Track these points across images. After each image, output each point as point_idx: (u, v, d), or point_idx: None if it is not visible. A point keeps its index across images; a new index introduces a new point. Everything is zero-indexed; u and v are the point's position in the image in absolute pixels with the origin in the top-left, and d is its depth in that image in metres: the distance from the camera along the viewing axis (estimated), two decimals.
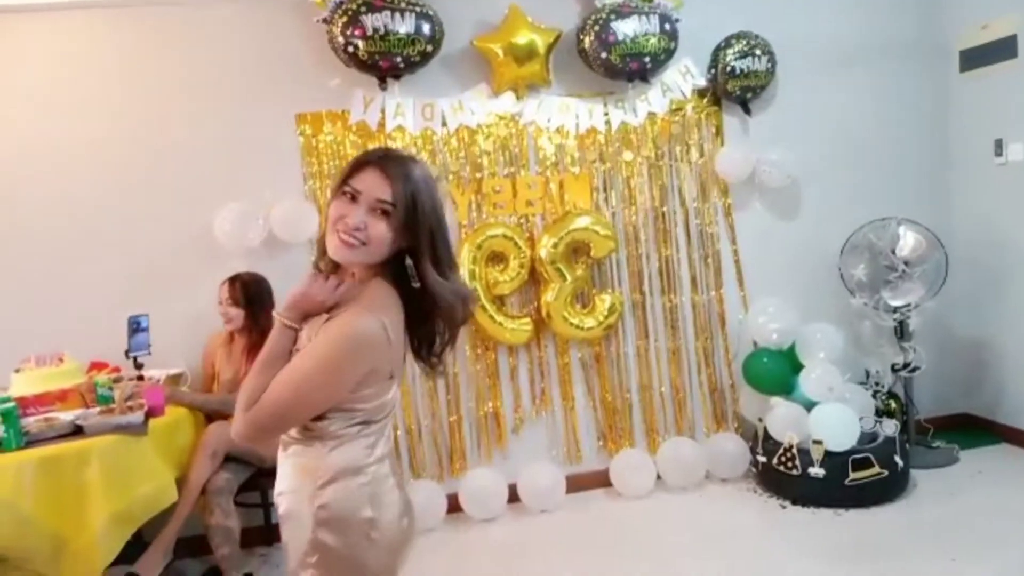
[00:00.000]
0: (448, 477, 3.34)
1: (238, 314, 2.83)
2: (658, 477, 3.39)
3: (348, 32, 2.91)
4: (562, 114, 3.33)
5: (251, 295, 2.84)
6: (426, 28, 2.98)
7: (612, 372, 3.48)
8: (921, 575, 2.51)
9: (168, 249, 3.09)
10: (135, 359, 2.73)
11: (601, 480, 3.46)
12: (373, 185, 1.25)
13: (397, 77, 3.09)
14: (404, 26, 2.93)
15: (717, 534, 2.97)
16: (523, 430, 3.43)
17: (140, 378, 2.71)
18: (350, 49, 2.94)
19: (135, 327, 2.76)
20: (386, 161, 1.28)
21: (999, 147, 3.46)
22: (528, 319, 3.30)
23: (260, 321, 2.82)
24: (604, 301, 3.33)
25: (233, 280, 2.86)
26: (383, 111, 3.13)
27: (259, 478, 2.76)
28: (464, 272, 3.17)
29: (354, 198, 1.26)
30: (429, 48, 3.03)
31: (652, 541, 2.97)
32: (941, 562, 2.58)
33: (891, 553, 2.68)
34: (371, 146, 3.16)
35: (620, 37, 3.12)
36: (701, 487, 3.40)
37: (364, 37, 2.91)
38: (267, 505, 3.13)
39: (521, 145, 3.34)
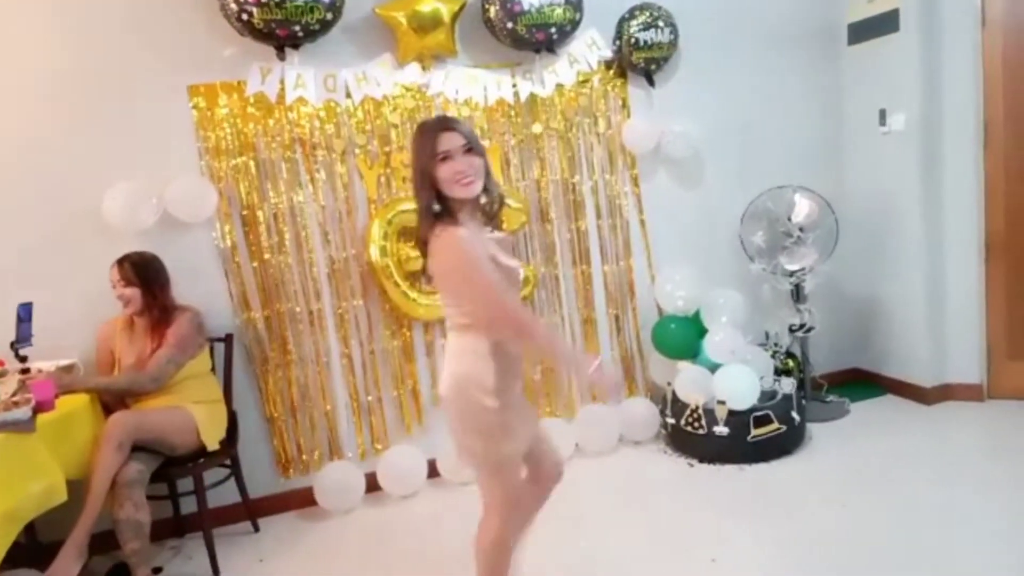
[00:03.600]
0: (371, 456, 3.32)
1: (134, 294, 2.69)
2: (576, 444, 3.49)
3: None
4: (470, 85, 3.29)
5: (144, 274, 2.71)
6: None
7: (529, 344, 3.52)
8: (816, 520, 2.70)
9: (56, 234, 2.87)
10: (16, 351, 2.55)
11: None
12: (451, 141, 1.77)
13: (296, 46, 2.97)
14: None
15: (632, 494, 3.09)
16: (440, 405, 3.43)
17: (26, 371, 2.54)
18: (244, 17, 2.79)
19: (20, 317, 2.57)
20: (444, 123, 1.81)
21: (883, 117, 3.67)
22: None
23: (159, 298, 2.72)
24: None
25: (121, 261, 2.71)
26: (282, 82, 3.00)
27: (167, 468, 2.66)
28: (375, 249, 3.12)
29: (446, 157, 1.76)
30: (329, 16, 2.91)
31: (572, 504, 3.02)
32: (834, 507, 2.78)
33: (790, 502, 2.86)
34: (271, 119, 3.07)
35: (525, 7, 3.10)
36: (616, 450, 3.51)
37: (259, 4, 2.76)
38: (176, 496, 3.02)
39: (429, 117, 3.29)
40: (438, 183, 1.77)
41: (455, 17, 3.16)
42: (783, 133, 3.85)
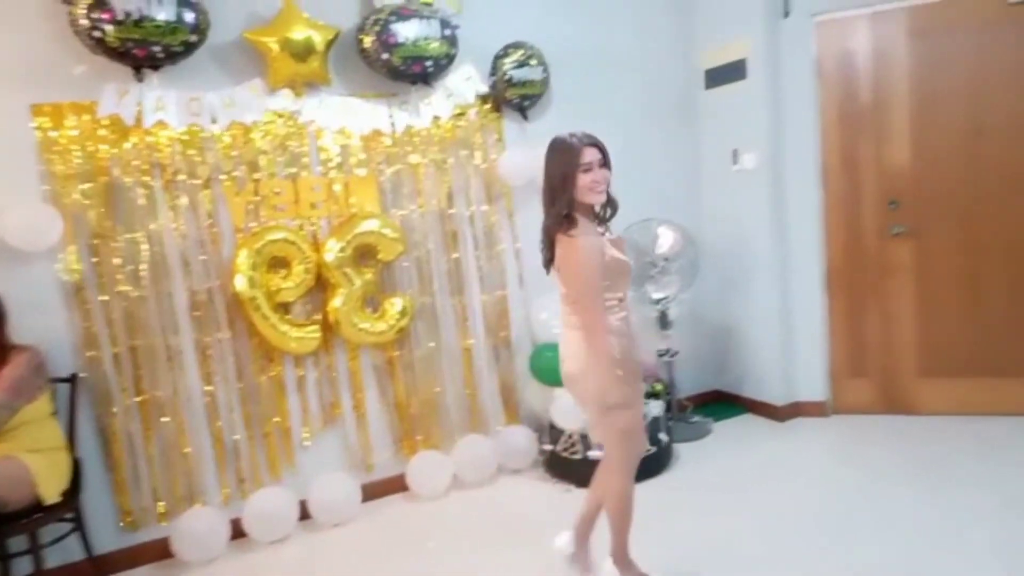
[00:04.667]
0: (236, 499, 3.13)
1: None
2: (454, 476, 3.46)
3: (94, 15, 2.59)
4: (345, 114, 3.25)
5: None
6: (189, 16, 2.74)
7: (406, 375, 3.48)
8: (687, 533, 2.84)
9: None
10: None
11: (398, 485, 3.46)
12: (593, 155, 2.17)
13: (156, 67, 2.82)
14: (163, 12, 2.66)
15: (510, 523, 3.10)
16: (313, 443, 3.31)
17: None
18: (96, 34, 2.61)
19: None
20: (590, 139, 2.20)
21: (735, 156, 3.98)
22: (315, 326, 3.19)
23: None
24: (395, 304, 3.32)
25: None
26: (140, 104, 2.82)
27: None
28: (242, 279, 2.98)
29: (588, 168, 2.14)
30: (194, 38, 2.79)
31: (450, 538, 3.02)
32: (704, 518, 2.94)
33: (664, 518, 2.97)
34: (127, 142, 2.88)
35: (401, 40, 3.11)
36: (495, 480, 3.52)
37: (113, 22, 2.60)
38: (7, 556, 2.70)
39: (302, 145, 3.21)
40: (575, 189, 2.12)
41: (329, 46, 3.12)
42: (649, 169, 4.08)
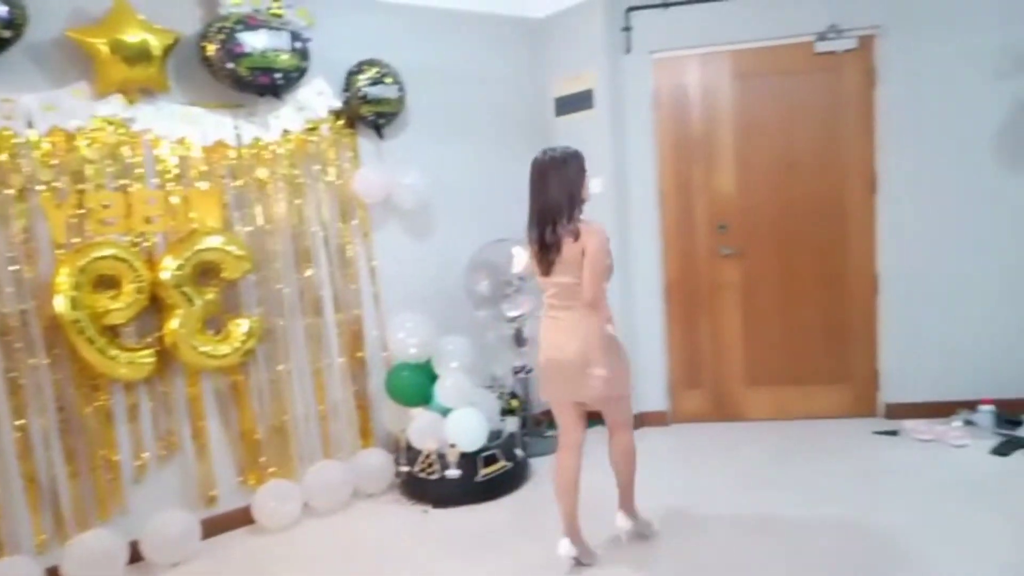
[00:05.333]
0: (53, 545, 2.80)
1: None
2: (306, 504, 3.32)
3: None
4: (185, 124, 3.06)
5: None
6: (2, 9, 2.47)
7: (252, 401, 3.30)
8: (545, 547, 2.88)
9: None
10: None
11: (243, 518, 3.26)
12: None
13: None
14: None
15: (364, 550, 3.02)
16: (147, 477, 3.05)
17: None
18: None
19: None
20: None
21: None
22: (149, 350, 2.95)
23: None
24: (240, 326, 3.14)
25: None
26: None
27: None
28: (63, 300, 2.70)
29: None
30: (7, 34, 2.52)
31: (300, 570, 2.89)
32: (558, 535, 3.00)
33: (518, 533, 3.03)
34: None
35: (248, 50, 2.99)
36: (349, 506, 3.42)
37: None
38: None
39: (136, 155, 2.98)
40: (585, 191, 2.58)
41: (168, 51, 2.93)
42: (505, 190, 4.18)
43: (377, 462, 3.51)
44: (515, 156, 4.24)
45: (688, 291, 4.19)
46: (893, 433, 3.82)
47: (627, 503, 2.85)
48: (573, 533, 2.72)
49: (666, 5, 3.92)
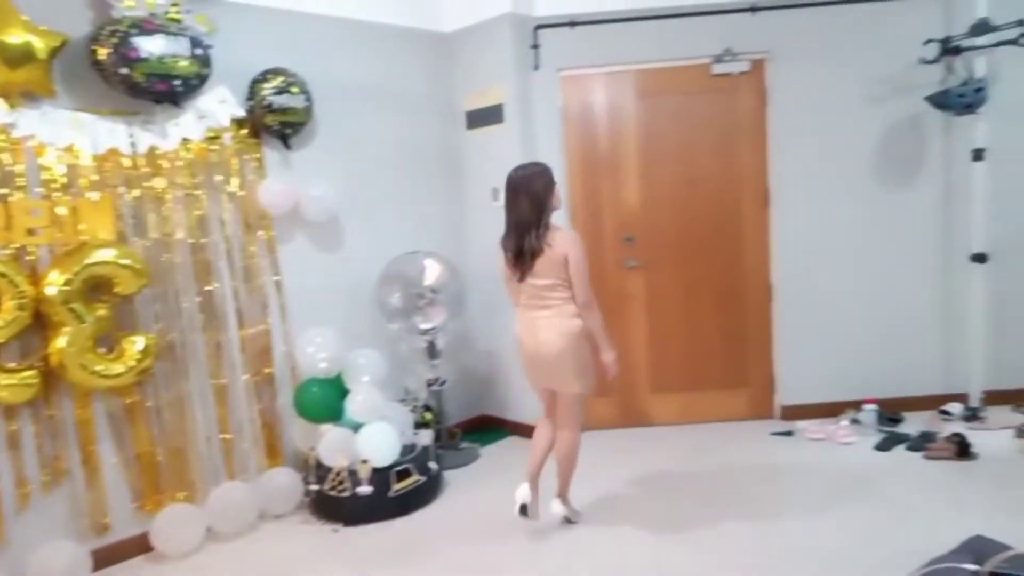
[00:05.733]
0: None
1: None
2: (209, 529, 3.17)
3: None
4: (73, 131, 2.89)
5: None
6: None
7: (150, 422, 3.14)
8: (459, 560, 2.89)
9: None
10: None
11: (140, 546, 3.08)
12: None
13: None
14: None
15: (271, 572, 2.91)
16: (30, 508, 2.83)
17: None
18: None
19: None
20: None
21: (495, 194, 4.23)
22: (33, 371, 2.75)
23: None
24: (135, 343, 2.98)
25: None
26: None
27: None
28: None
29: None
30: None
31: None
32: (473, 545, 3.02)
33: (432, 548, 3.01)
34: None
35: (143, 55, 2.86)
36: (255, 529, 3.29)
37: None
38: None
39: (16, 162, 2.79)
40: (554, 200, 2.86)
41: (54, 54, 2.76)
42: (416, 202, 4.18)
43: (285, 481, 3.40)
44: (427, 169, 4.26)
45: (598, 301, 4.28)
46: (788, 434, 4.05)
47: (564, 491, 3.13)
48: (532, 484, 3.05)
49: (572, 24, 4.04)
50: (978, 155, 3.84)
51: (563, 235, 2.83)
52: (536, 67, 4.11)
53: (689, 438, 4.09)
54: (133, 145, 3.06)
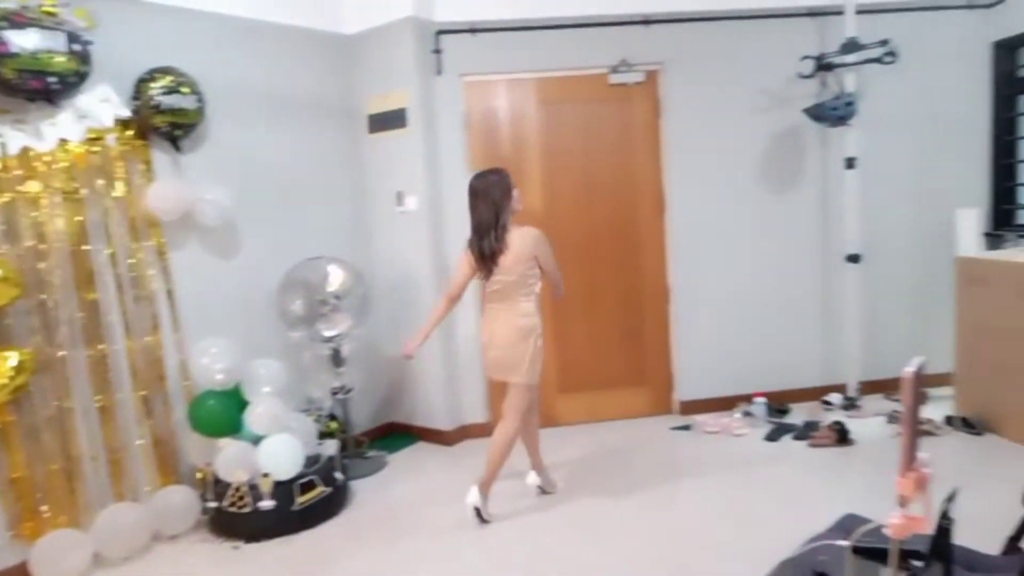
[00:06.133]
0: None
1: None
2: (95, 555, 2.98)
3: None
4: None
5: None
6: None
7: (26, 443, 2.91)
8: (365, 569, 2.85)
9: None
10: None
11: None
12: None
13: None
14: None
15: None
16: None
17: None
18: None
19: None
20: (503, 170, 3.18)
21: (400, 198, 4.20)
22: None
23: None
24: (8, 359, 2.76)
25: None
26: None
27: None
28: None
29: (515, 186, 3.12)
30: None
31: None
32: (379, 554, 2.98)
33: (337, 560, 2.95)
34: None
35: (15, 50, 2.67)
36: (148, 551, 3.12)
37: None
38: None
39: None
40: (513, 203, 3.09)
41: None
42: (317, 207, 4.09)
43: (180, 500, 3.24)
44: (329, 173, 4.18)
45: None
46: (687, 428, 4.24)
47: (488, 480, 3.21)
48: (538, 465, 3.42)
49: (474, 31, 4.08)
50: (850, 163, 4.17)
51: (523, 234, 3.07)
52: (439, 72, 4.12)
53: (594, 436, 4.21)
54: (3, 146, 2.84)
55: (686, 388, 4.48)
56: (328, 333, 3.75)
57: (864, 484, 3.31)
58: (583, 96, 4.25)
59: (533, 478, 3.47)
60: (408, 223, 4.21)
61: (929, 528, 1.32)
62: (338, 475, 3.42)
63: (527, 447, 3.40)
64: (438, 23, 4.08)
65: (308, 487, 3.25)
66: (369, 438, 4.22)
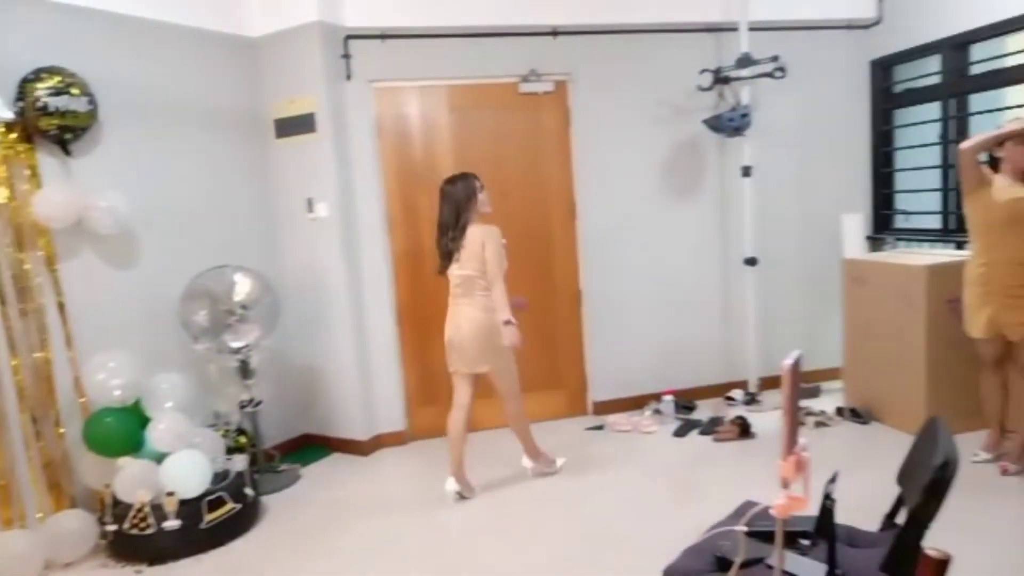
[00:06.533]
0: None
1: None
2: None
3: None
4: None
5: None
6: None
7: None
8: None
9: None
10: None
11: None
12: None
13: None
14: None
15: None
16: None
17: None
18: None
19: None
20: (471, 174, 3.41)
21: (310, 205, 4.13)
22: None
23: None
24: None
25: None
26: None
27: None
28: None
29: (482, 189, 3.37)
30: None
31: None
32: (291, 569, 2.91)
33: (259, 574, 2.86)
34: None
35: None
36: None
37: None
38: None
39: None
40: (478, 205, 3.30)
41: None
42: (222, 214, 3.95)
43: (75, 525, 3.05)
44: (235, 179, 4.06)
45: (419, 312, 4.34)
46: (600, 428, 4.35)
47: (529, 451, 3.66)
48: (458, 474, 3.47)
49: (384, 37, 4.06)
50: (746, 171, 4.41)
51: (477, 230, 3.27)
52: (349, 77, 4.07)
53: (512, 440, 4.24)
54: None
55: (599, 389, 4.60)
56: (235, 344, 3.63)
57: (764, 473, 3.48)
58: (494, 104, 4.31)
59: (452, 485, 3.46)
60: (319, 230, 4.13)
61: (809, 507, 1.43)
62: (248, 490, 3.32)
63: (455, 446, 3.48)
64: (347, 28, 4.04)
65: (217, 504, 3.13)
66: (281, 451, 4.11)
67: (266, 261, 4.09)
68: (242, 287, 3.65)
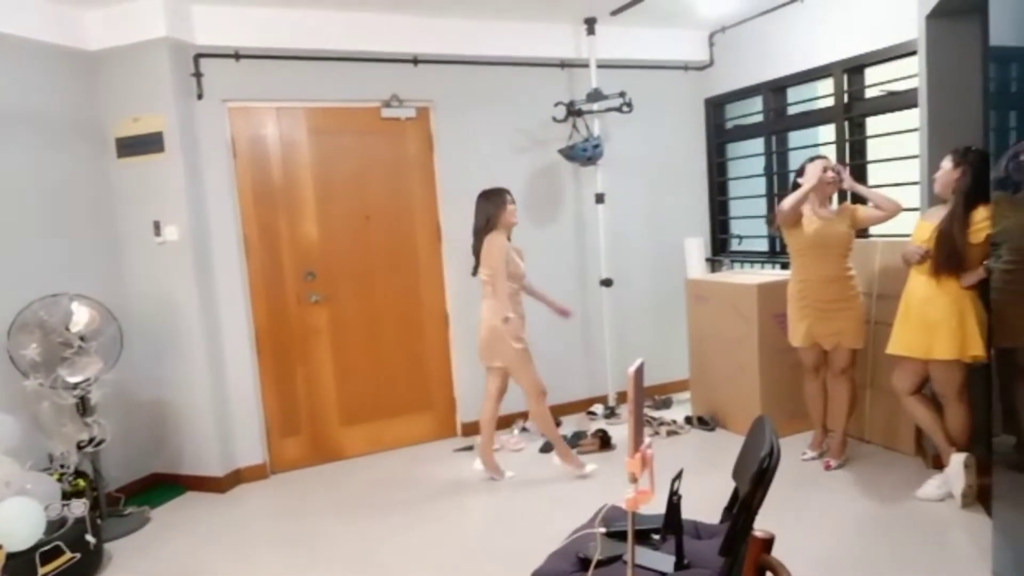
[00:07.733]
0: None
1: None
2: None
3: None
4: None
5: None
6: None
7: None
8: None
9: None
10: None
11: None
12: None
13: None
14: None
15: None
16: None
17: None
18: None
19: None
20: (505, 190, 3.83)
21: (158, 228, 3.90)
22: None
23: None
24: None
25: None
26: None
27: None
28: None
29: (512, 203, 3.79)
30: None
31: None
32: None
33: None
34: None
35: None
36: None
37: None
38: None
39: None
40: (506, 215, 3.70)
41: None
42: (57, 237, 3.64)
43: None
44: (71, 198, 3.77)
45: (279, 338, 4.21)
46: (469, 448, 4.41)
47: (559, 451, 3.90)
48: (487, 459, 3.85)
49: (238, 57, 3.95)
50: (599, 198, 4.70)
51: (488, 238, 3.62)
52: (200, 96, 3.92)
53: (381, 465, 4.22)
54: None
55: (467, 410, 4.66)
56: (73, 379, 3.34)
57: (623, 480, 3.70)
58: (356, 128, 4.31)
59: (479, 466, 3.94)
60: (169, 254, 3.91)
61: (654, 499, 1.57)
62: (90, 538, 3.04)
63: (484, 432, 3.85)
64: (197, 46, 3.89)
65: (52, 555, 2.85)
66: (127, 493, 3.80)
67: (110, 287, 3.81)
68: (80, 316, 3.37)
